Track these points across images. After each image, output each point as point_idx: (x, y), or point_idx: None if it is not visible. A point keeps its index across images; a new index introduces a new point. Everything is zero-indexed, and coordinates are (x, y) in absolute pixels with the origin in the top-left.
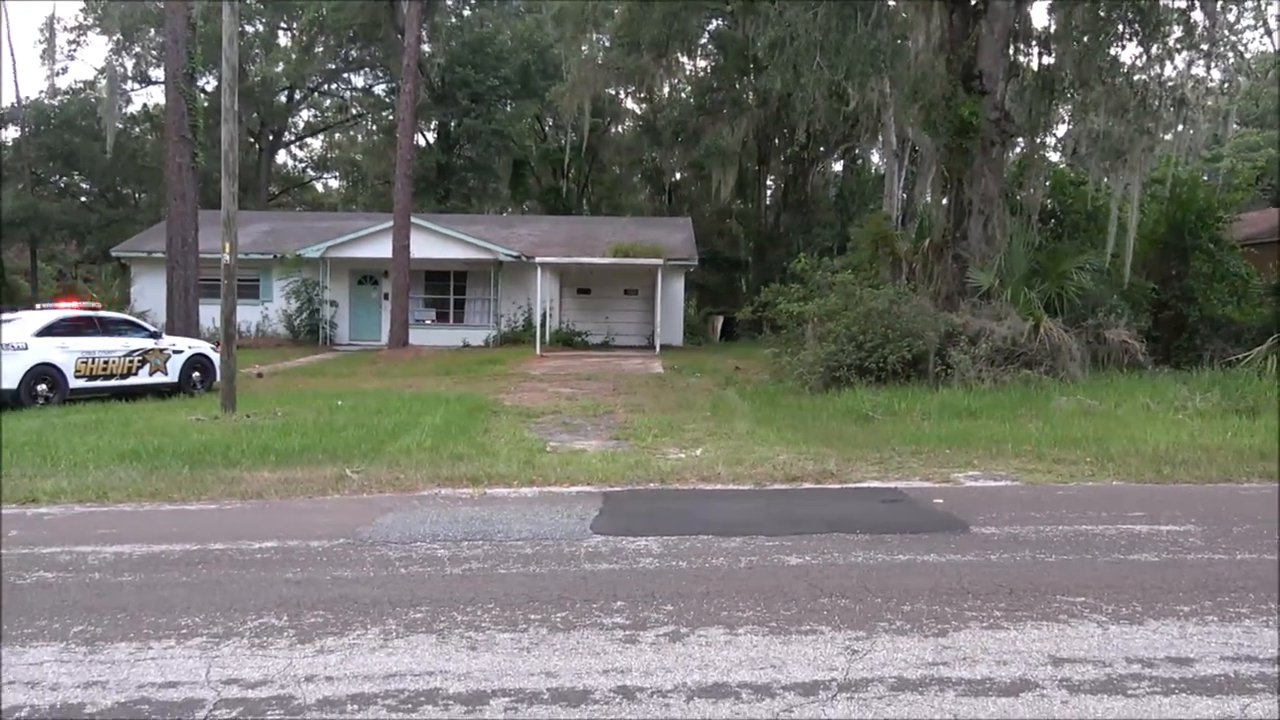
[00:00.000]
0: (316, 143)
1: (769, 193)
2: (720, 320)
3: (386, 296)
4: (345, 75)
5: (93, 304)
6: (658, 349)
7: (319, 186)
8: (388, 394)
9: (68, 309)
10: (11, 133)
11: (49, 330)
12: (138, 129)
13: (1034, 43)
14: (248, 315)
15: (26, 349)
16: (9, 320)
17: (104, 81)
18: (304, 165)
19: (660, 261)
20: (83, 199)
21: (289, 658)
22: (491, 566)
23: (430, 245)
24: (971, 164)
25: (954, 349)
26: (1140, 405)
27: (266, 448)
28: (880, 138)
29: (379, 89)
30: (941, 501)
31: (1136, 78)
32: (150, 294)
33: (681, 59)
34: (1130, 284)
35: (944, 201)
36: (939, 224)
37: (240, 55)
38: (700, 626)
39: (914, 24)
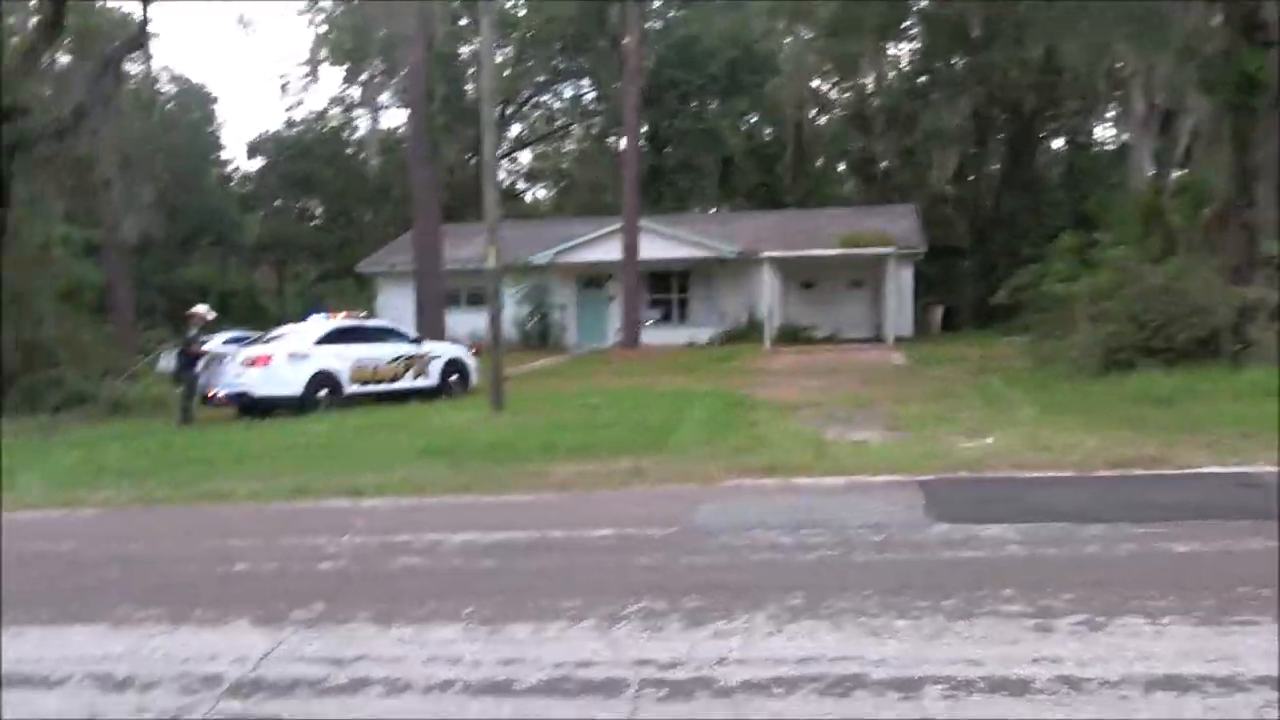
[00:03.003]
0: (525, 155)
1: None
2: (940, 310)
3: (612, 298)
4: (554, 87)
5: (360, 313)
6: (890, 341)
7: (526, 197)
8: (636, 392)
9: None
10: (257, 163)
11: (327, 339)
12: (363, 153)
13: None
14: (478, 322)
15: (309, 357)
16: (289, 333)
17: (367, 118)
18: (514, 178)
19: (892, 250)
20: (314, 221)
21: (688, 641)
22: (843, 554)
23: (654, 246)
24: (1258, 124)
25: (1252, 325)
26: None
27: (549, 444)
28: (1122, 107)
29: (587, 98)
30: None
31: None
32: (393, 305)
33: (887, 45)
34: None
35: (1225, 168)
36: (1220, 192)
37: (458, 75)
38: (1115, 616)
39: None
